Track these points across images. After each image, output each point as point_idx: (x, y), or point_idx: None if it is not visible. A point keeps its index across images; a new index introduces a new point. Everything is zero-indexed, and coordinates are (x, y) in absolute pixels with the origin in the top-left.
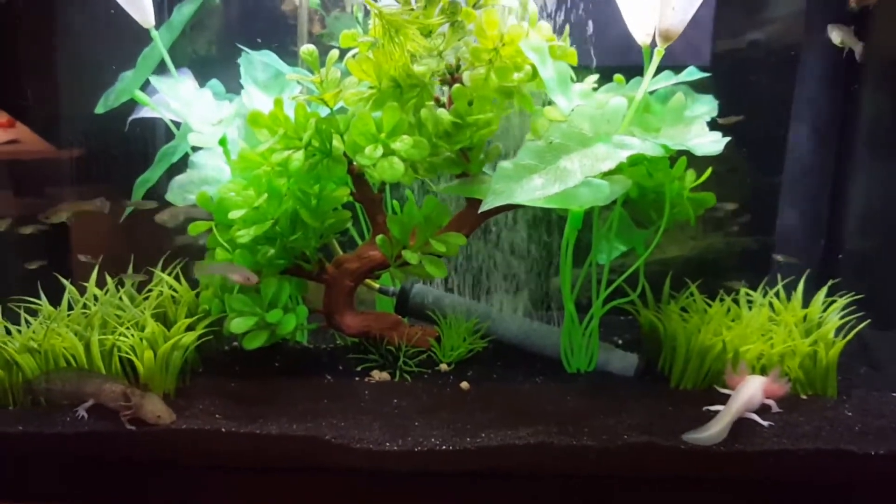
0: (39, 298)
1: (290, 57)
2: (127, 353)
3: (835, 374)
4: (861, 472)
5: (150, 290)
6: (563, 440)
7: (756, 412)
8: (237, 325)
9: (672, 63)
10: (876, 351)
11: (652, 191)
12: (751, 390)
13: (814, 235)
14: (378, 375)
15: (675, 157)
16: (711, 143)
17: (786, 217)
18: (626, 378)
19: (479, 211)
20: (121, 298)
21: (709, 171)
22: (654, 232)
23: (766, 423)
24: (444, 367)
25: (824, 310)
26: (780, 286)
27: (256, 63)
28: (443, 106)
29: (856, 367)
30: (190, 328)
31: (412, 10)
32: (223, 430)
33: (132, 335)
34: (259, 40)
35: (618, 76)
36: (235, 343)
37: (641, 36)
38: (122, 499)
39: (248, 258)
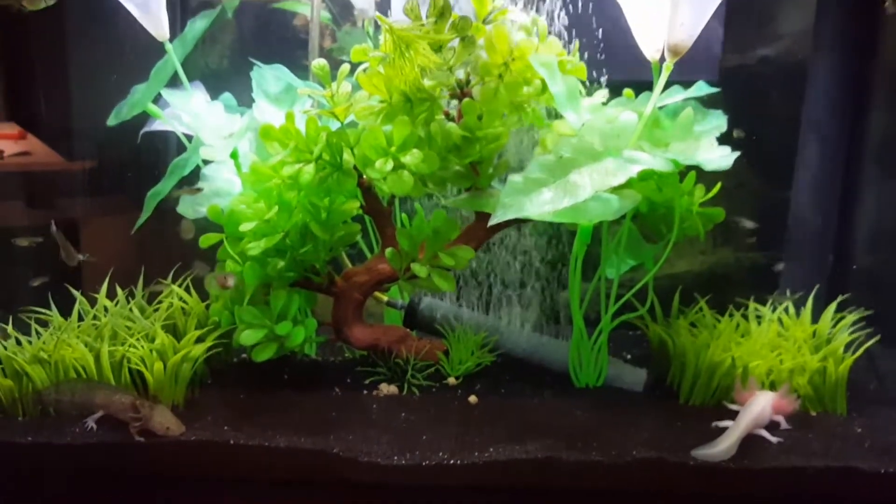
0: (49, 309)
1: (301, 70)
2: (137, 364)
3: (844, 390)
4: (871, 489)
5: (160, 302)
6: (571, 455)
7: (765, 428)
8: (247, 336)
9: (686, 77)
10: (886, 367)
11: (661, 205)
12: (760, 407)
13: (823, 251)
14: (386, 389)
15: (684, 171)
16: (721, 158)
17: (795, 232)
18: (634, 393)
19: (489, 224)
20: (131, 310)
21: (718, 186)
22: (663, 247)
23: (775, 440)
24: (452, 380)
25: (834, 325)
26: (788, 302)
27: (268, 76)
28: (452, 120)
29: (866, 384)
30: (199, 340)
31: (423, 25)
32: (232, 441)
33: (142, 346)
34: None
35: (627, 91)
36: (244, 355)
37: (651, 51)
38: None
39: (258, 270)
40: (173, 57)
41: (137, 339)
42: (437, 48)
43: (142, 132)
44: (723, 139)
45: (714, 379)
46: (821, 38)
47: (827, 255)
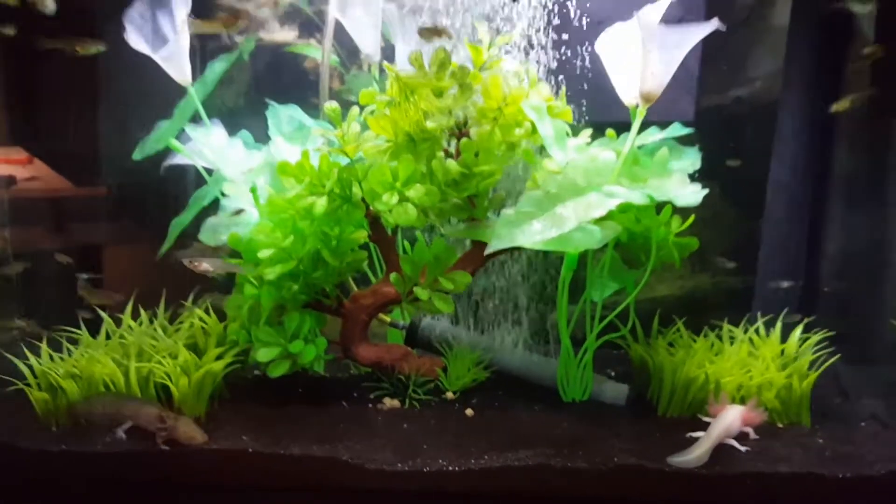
0: (78, 328)
1: (310, 109)
2: (163, 378)
3: (808, 404)
4: (830, 493)
5: (181, 322)
6: (559, 462)
7: (735, 439)
8: (263, 354)
9: (666, 118)
10: (849, 384)
11: (640, 235)
12: (730, 418)
13: (792, 278)
14: (389, 402)
15: (662, 204)
16: (691, 195)
17: (767, 260)
18: (617, 407)
19: (485, 253)
20: (154, 329)
21: (691, 218)
22: (643, 272)
23: (744, 449)
24: (450, 395)
25: (800, 345)
26: (759, 323)
27: (282, 115)
28: (451, 157)
29: (831, 399)
30: (218, 357)
31: (426, 73)
32: (250, 450)
33: (167, 363)
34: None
35: (609, 131)
36: (257, 371)
37: (627, 97)
38: None
39: (274, 293)
40: (195, 99)
41: (162, 357)
42: (439, 93)
43: (164, 165)
44: (717, 168)
45: (689, 393)
46: (790, 81)
47: (796, 280)
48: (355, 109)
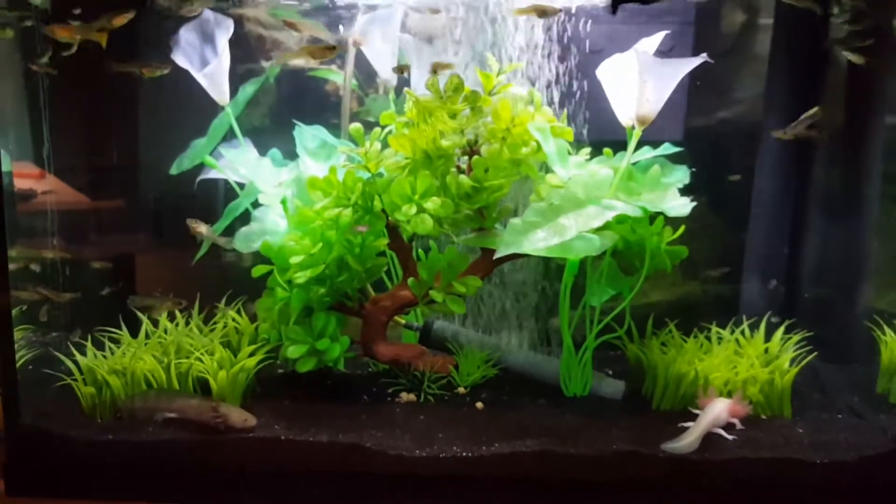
0: (119, 328)
1: (331, 128)
2: (202, 373)
3: (789, 397)
4: (807, 476)
5: (215, 322)
6: (562, 449)
7: (723, 428)
8: (293, 350)
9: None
10: (827, 380)
11: (635, 244)
12: (717, 410)
13: (775, 283)
14: (406, 397)
15: (655, 216)
16: (681, 206)
17: (751, 268)
18: (615, 401)
19: (494, 258)
20: (191, 329)
21: (682, 228)
22: (637, 278)
23: (730, 437)
24: (461, 390)
25: (782, 345)
26: (745, 325)
27: (307, 134)
28: (463, 173)
29: (811, 393)
30: (251, 354)
31: (441, 97)
32: (283, 437)
33: (206, 359)
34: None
35: (607, 150)
36: (280, 370)
37: (625, 119)
38: (191, 494)
39: (303, 296)
40: (231, 118)
41: (200, 354)
42: (453, 115)
43: (198, 179)
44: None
45: (681, 388)
46: (771, 103)
47: (778, 285)
48: (378, 130)
